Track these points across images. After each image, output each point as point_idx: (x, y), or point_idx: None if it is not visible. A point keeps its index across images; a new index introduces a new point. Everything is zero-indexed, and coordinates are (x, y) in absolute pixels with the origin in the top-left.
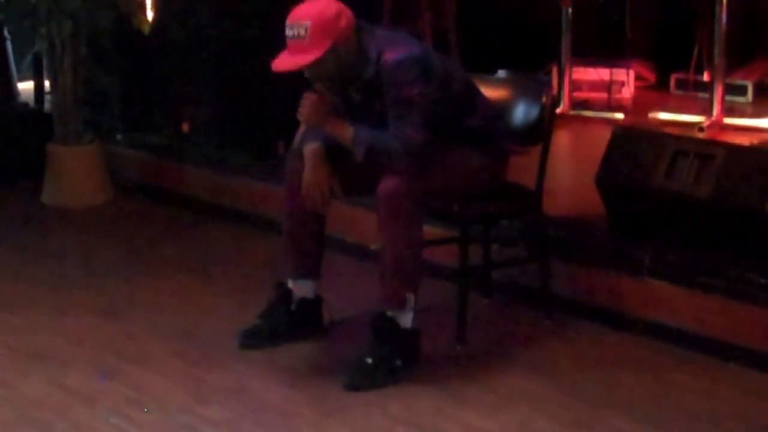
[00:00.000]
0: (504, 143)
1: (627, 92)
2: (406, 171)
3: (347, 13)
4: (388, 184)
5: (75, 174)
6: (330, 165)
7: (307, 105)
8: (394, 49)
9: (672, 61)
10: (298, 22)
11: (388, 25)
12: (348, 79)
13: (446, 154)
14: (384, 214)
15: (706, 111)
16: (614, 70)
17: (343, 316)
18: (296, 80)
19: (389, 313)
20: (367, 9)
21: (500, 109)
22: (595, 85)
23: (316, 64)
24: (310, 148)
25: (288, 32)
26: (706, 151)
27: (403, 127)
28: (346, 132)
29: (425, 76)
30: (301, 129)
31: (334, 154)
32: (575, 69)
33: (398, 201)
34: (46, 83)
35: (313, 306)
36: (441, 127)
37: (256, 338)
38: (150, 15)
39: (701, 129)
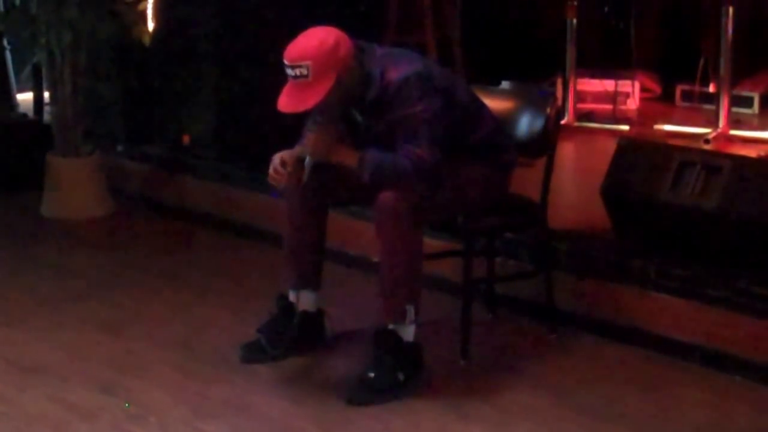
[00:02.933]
0: (508, 155)
1: (632, 104)
2: (415, 190)
3: (345, 41)
4: (386, 197)
5: (74, 185)
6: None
7: (311, 139)
8: (397, 67)
9: (677, 73)
10: (299, 61)
11: (392, 37)
12: (352, 102)
13: (450, 167)
14: (382, 226)
15: (712, 123)
16: (619, 82)
17: (345, 329)
18: None
19: (391, 327)
20: (371, 22)
21: (504, 122)
22: (599, 97)
23: (323, 100)
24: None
25: (289, 72)
26: (712, 163)
27: (412, 147)
28: (353, 158)
29: (429, 91)
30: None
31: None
32: (580, 80)
33: (396, 213)
34: (46, 94)
35: (314, 319)
36: (447, 141)
37: (257, 352)
38: (150, 26)
39: (707, 141)
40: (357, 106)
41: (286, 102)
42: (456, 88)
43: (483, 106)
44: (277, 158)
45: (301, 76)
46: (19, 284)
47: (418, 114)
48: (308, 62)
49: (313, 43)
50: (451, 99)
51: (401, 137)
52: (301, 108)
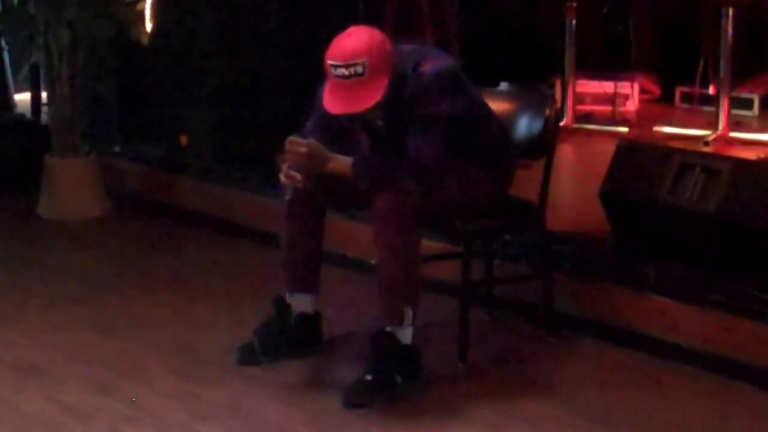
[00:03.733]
0: (510, 159)
1: (631, 105)
2: (412, 190)
3: (386, 38)
4: (384, 199)
5: (72, 186)
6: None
7: (302, 155)
8: (431, 60)
9: (677, 74)
10: (352, 59)
11: (391, 38)
12: (390, 101)
13: (453, 169)
14: (380, 228)
15: (712, 125)
16: (618, 83)
17: (342, 331)
18: (296, 95)
19: (389, 329)
20: (369, 22)
21: (503, 123)
22: (599, 98)
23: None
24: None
25: (342, 71)
26: (711, 165)
27: (421, 142)
28: (345, 167)
29: (457, 89)
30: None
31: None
32: (579, 82)
33: (395, 215)
34: (44, 94)
35: (311, 321)
36: (456, 143)
37: (253, 354)
38: (148, 26)
39: (707, 143)
40: (386, 106)
41: (338, 103)
42: (473, 90)
43: (491, 109)
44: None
45: (356, 74)
46: (15, 285)
47: (441, 111)
48: (364, 59)
49: (364, 40)
50: (472, 102)
51: (417, 130)
52: (360, 108)
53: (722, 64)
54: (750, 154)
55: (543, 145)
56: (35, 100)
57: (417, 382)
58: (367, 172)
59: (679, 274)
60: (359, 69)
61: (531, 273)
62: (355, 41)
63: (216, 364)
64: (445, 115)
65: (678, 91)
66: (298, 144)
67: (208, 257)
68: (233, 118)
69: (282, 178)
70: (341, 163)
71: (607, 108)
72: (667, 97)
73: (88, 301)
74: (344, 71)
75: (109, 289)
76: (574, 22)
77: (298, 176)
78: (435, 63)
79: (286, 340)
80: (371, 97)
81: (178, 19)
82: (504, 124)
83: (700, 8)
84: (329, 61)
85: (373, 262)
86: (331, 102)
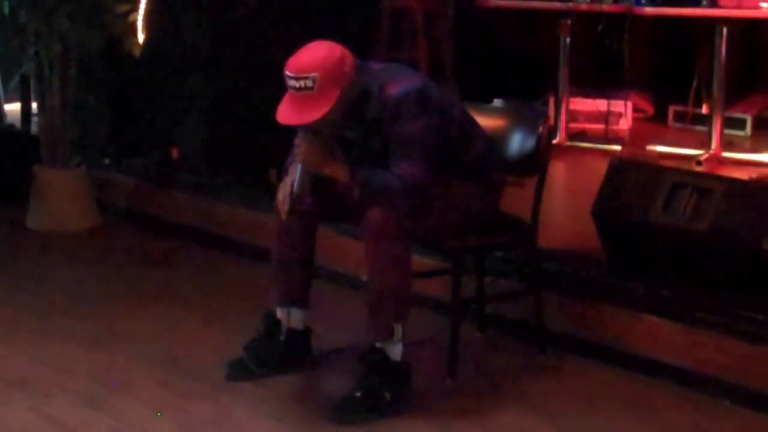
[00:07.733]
0: (498, 174)
1: (624, 124)
2: (403, 208)
3: (348, 55)
4: (374, 214)
5: (61, 198)
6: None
7: (304, 148)
8: (396, 83)
9: (670, 93)
10: (304, 73)
11: (384, 54)
12: (350, 118)
13: (441, 186)
14: (370, 244)
15: (705, 144)
16: (612, 101)
17: (333, 347)
18: None
19: (378, 345)
20: (363, 39)
21: (496, 140)
22: (592, 116)
23: (326, 115)
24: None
25: (293, 83)
26: (704, 185)
27: (405, 164)
28: (344, 172)
29: (427, 109)
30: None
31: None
32: (572, 99)
33: (384, 230)
34: (34, 105)
35: (301, 337)
36: (440, 159)
37: (243, 369)
38: (141, 38)
39: (699, 162)
40: (353, 123)
41: (288, 114)
42: (452, 106)
43: (476, 124)
44: (280, 191)
45: (306, 88)
46: (2, 297)
47: (415, 131)
48: (315, 74)
49: (320, 55)
50: (447, 117)
51: (397, 154)
52: (303, 121)
53: (715, 83)
54: (742, 174)
55: (535, 163)
56: (25, 110)
57: (406, 398)
58: (362, 179)
59: (669, 293)
60: (309, 83)
61: (522, 290)
62: (310, 56)
63: (205, 379)
64: (419, 134)
65: (671, 110)
66: (305, 137)
67: (198, 271)
68: (225, 132)
69: (280, 196)
70: (340, 167)
71: (600, 126)
72: (660, 116)
73: (76, 314)
74: (295, 83)
75: (98, 301)
76: (568, 39)
77: (286, 206)
78: (400, 85)
79: (275, 356)
80: (316, 111)
81: (170, 31)
82: (490, 139)
83: (694, 27)
84: (285, 72)
85: (364, 278)
86: (282, 110)
